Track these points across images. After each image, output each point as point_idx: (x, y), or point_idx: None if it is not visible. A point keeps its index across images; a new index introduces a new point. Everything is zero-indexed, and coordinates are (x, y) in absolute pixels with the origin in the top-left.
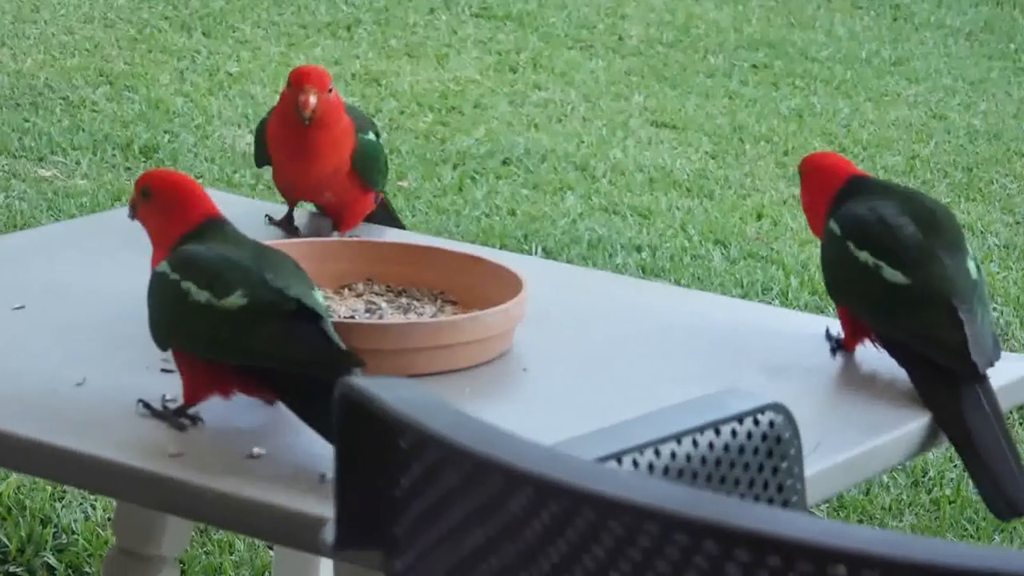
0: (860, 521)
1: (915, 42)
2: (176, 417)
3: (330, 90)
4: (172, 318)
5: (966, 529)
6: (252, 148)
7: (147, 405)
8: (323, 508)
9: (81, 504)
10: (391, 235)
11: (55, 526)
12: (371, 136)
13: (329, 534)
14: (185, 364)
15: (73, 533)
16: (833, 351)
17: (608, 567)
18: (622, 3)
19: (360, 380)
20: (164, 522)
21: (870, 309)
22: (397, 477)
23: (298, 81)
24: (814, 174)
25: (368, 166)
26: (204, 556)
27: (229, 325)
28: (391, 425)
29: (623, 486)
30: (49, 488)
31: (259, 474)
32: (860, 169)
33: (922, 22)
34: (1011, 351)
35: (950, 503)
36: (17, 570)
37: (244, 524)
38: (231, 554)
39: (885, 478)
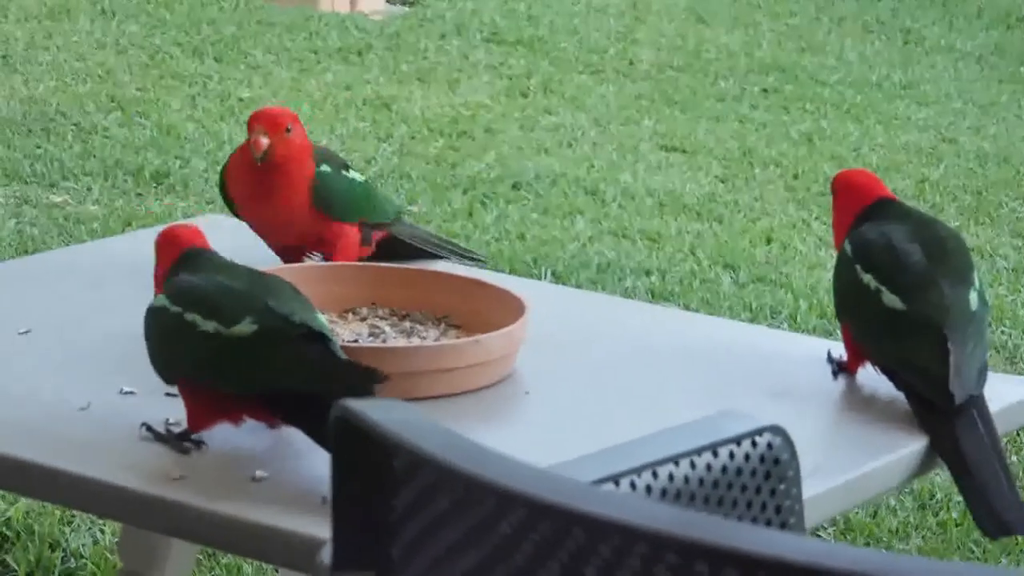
0: (867, 543)
1: (925, 66)
2: (179, 441)
3: (288, 130)
4: (178, 350)
5: (972, 551)
6: None
7: (150, 429)
8: (325, 530)
9: (90, 528)
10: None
11: (64, 550)
12: (324, 167)
13: (326, 555)
14: (190, 395)
15: (82, 557)
16: (835, 373)
17: None
18: (633, 28)
19: (355, 402)
20: (168, 545)
21: (867, 332)
22: (392, 498)
23: (250, 123)
24: (843, 192)
25: (325, 198)
26: None
27: (241, 353)
28: (385, 447)
29: (614, 507)
30: (58, 512)
31: (262, 497)
32: (888, 190)
33: (932, 46)
34: (1019, 374)
35: (957, 525)
36: None
37: (247, 547)
38: None
39: (892, 501)
